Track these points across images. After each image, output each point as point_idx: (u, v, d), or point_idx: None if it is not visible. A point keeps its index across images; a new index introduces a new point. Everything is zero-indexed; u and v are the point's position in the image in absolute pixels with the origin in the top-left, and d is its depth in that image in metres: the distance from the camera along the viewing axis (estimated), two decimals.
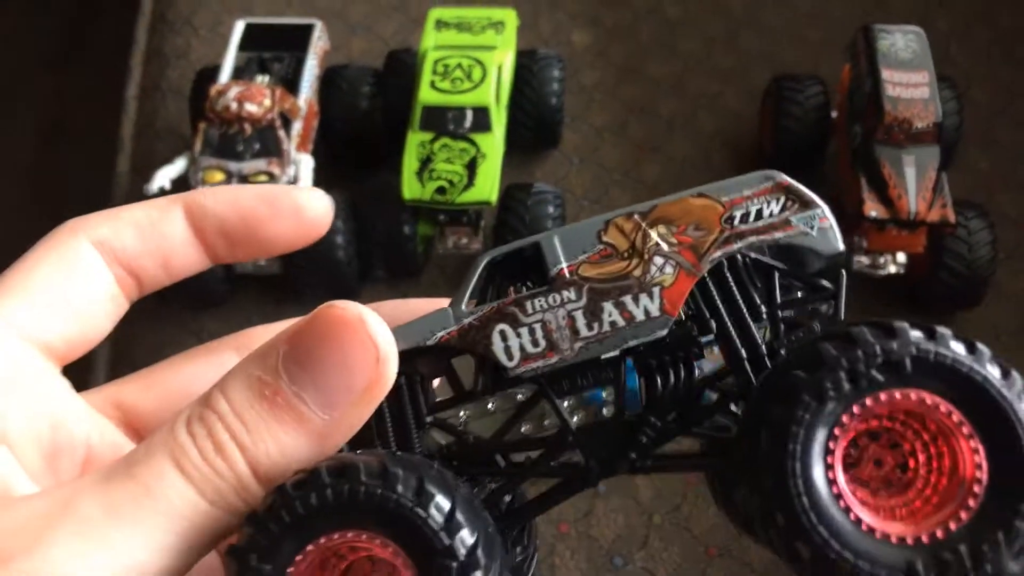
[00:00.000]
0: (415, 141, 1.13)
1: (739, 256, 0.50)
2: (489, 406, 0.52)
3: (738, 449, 0.48)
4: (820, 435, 0.45)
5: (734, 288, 0.51)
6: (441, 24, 1.23)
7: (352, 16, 1.56)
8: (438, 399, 0.53)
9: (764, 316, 0.50)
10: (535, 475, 0.51)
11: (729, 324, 0.51)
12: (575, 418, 0.51)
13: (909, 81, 1.04)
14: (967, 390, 0.45)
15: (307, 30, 1.27)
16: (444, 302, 0.52)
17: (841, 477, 0.45)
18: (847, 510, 0.44)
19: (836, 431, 0.45)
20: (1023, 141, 1.43)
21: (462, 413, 0.52)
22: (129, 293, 0.54)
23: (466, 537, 0.44)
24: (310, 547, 0.44)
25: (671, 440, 0.51)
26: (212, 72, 1.23)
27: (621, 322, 0.50)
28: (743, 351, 0.50)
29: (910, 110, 1.03)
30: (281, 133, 1.05)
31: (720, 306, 0.50)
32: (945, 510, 0.45)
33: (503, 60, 1.20)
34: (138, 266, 0.53)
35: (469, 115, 1.11)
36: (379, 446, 0.50)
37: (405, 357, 0.48)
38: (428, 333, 0.50)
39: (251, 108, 1.05)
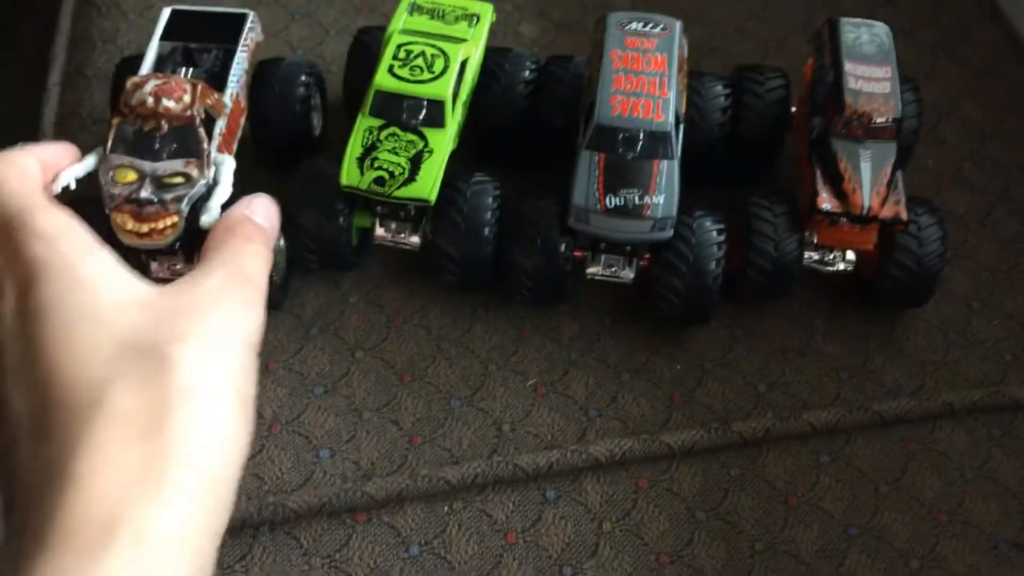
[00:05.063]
0: (363, 126, 1.06)
1: None
2: None
3: None
4: None
5: None
6: (415, 8, 1.17)
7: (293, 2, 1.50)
8: None
9: None
10: None
11: None
12: None
13: (871, 75, 1.02)
14: None
15: (238, 20, 1.16)
16: None
17: None
18: None
19: None
20: (969, 139, 1.43)
21: None
22: None
23: None
24: None
25: None
26: (134, 61, 1.15)
27: None
28: None
29: (870, 104, 1.01)
30: (201, 132, 0.96)
31: None
32: None
33: (470, 54, 1.14)
34: None
35: (424, 107, 1.06)
36: None
37: None
38: None
39: (169, 104, 0.96)
